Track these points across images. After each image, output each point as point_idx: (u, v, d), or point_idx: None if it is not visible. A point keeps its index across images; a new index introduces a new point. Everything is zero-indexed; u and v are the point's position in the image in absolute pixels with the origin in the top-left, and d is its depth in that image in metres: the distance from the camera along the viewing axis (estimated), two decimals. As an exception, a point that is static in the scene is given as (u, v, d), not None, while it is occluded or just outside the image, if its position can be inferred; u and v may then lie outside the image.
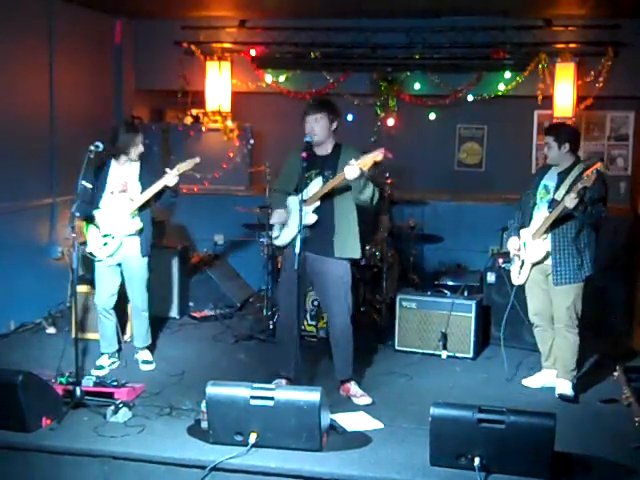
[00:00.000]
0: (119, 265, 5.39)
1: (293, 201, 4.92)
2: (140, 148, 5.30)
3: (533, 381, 5.29)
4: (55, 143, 6.91)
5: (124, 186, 5.30)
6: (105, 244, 5.27)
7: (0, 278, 6.20)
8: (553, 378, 5.14)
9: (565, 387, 4.98)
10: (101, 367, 5.35)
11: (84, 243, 5.39)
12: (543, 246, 4.98)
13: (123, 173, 5.33)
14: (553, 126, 5.32)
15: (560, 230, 4.91)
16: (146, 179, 5.29)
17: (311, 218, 4.77)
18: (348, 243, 4.86)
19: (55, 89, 6.93)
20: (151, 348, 5.74)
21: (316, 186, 4.81)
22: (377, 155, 4.58)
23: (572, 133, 5.08)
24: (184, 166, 5.24)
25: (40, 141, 6.78)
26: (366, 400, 4.85)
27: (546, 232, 4.94)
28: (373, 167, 4.64)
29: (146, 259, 5.40)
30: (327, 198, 4.78)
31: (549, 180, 5.05)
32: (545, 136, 5.07)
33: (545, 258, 5.00)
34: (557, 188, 4.93)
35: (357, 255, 4.91)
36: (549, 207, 4.93)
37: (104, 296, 5.41)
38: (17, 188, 6.47)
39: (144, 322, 5.56)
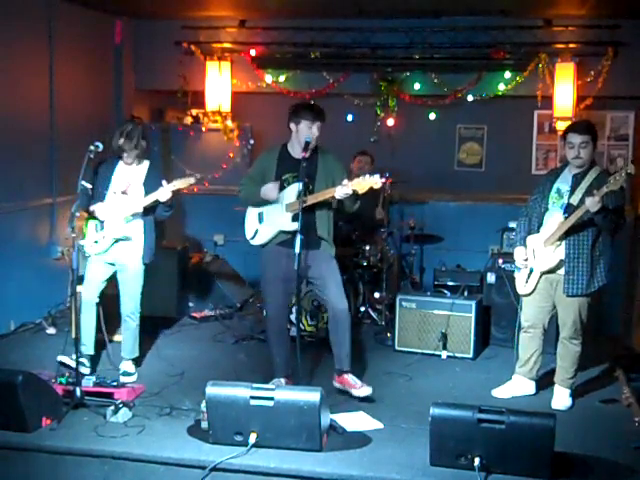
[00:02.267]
0: (112, 265, 5.24)
1: (266, 201, 4.95)
2: (129, 156, 5.15)
3: (502, 391, 5.08)
4: (55, 143, 6.90)
5: (126, 188, 5.18)
6: (96, 242, 5.16)
7: (0, 278, 6.20)
8: (523, 388, 5.04)
9: (562, 401, 4.86)
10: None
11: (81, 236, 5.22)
12: (556, 254, 4.75)
13: (129, 174, 5.22)
14: (586, 125, 4.84)
15: (576, 237, 4.68)
16: (150, 184, 5.17)
17: (291, 226, 4.79)
18: (329, 243, 4.96)
19: (55, 89, 6.92)
20: (140, 357, 5.58)
21: (293, 190, 4.82)
22: (375, 182, 4.59)
23: (596, 131, 4.81)
24: (180, 184, 5.07)
25: (40, 141, 6.78)
26: (366, 390, 4.78)
27: (560, 239, 4.72)
28: (369, 190, 4.66)
29: (143, 266, 5.25)
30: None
31: (562, 183, 4.80)
32: (576, 135, 4.70)
33: (557, 266, 4.77)
34: (572, 192, 4.71)
35: (333, 253, 4.99)
36: (564, 212, 4.69)
37: (90, 286, 5.22)
38: (17, 188, 6.47)
39: (132, 332, 5.33)
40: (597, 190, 4.48)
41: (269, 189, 4.88)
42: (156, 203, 5.12)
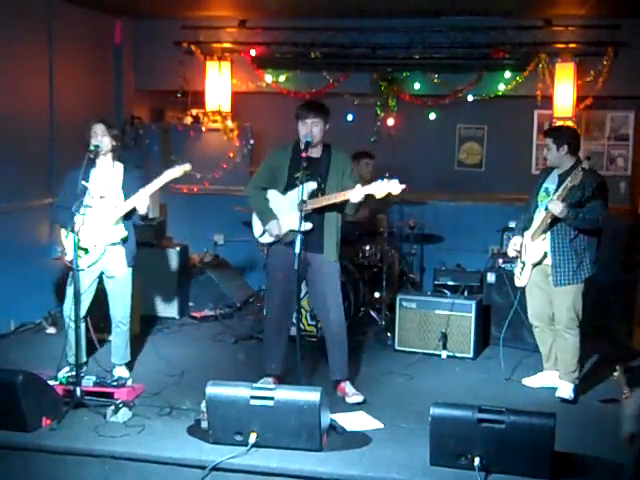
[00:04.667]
0: (100, 275, 5.09)
1: (275, 198, 4.94)
2: (98, 140, 4.91)
3: (533, 381, 5.30)
4: (55, 143, 6.90)
5: (105, 192, 4.99)
6: (87, 252, 4.94)
7: (0, 278, 6.20)
8: (553, 379, 5.14)
9: (565, 390, 4.97)
10: (55, 378, 4.79)
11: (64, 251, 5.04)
12: (541, 246, 4.98)
13: (105, 177, 5.04)
14: (553, 128, 5.34)
15: (558, 231, 4.91)
16: (128, 186, 5.02)
17: (306, 226, 4.74)
18: (335, 246, 4.90)
19: (55, 89, 6.92)
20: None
21: (308, 189, 4.79)
22: (395, 188, 4.53)
23: (571, 135, 5.06)
24: (163, 179, 4.92)
25: (40, 141, 6.78)
26: (357, 398, 4.85)
27: (544, 232, 4.94)
28: (387, 195, 4.62)
29: (131, 269, 5.13)
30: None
31: (550, 183, 5.04)
32: (544, 137, 5.08)
33: (544, 258, 5.00)
34: (556, 191, 4.91)
35: (336, 257, 4.92)
36: (546, 210, 4.92)
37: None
38: (17, 188, 6.47)
39: (123, 337, 5.20)
40: (559, 194, 4.77)
41: (273, 227, 4.88)
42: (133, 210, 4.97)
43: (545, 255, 4.98)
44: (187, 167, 5.03)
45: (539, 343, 5.28)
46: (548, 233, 4.94)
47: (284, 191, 4.91)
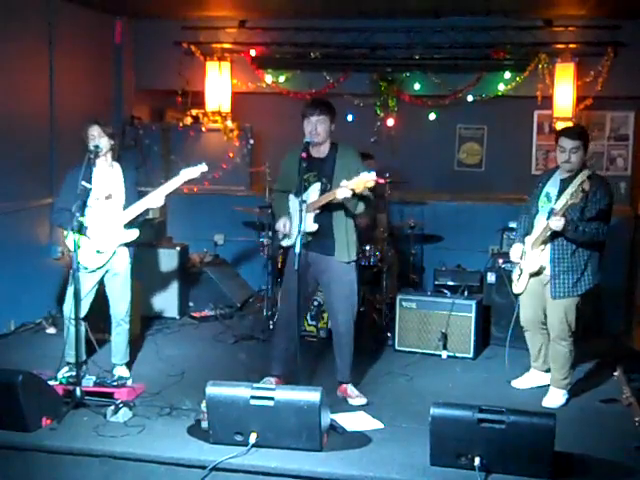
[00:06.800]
0: (103, 274, 5.10)
1: (294, 202, 4.93)
2: (96, 141, 4.91)
3: (522, 382, 5.24)
4: (55, 143, 6.91)
5: (110, 192, 5.00)
6: (98, 252, 4.97)
7: (0, 278, 6.20)
8: (541, 379, 5.12)
9: (555, 399, 4.91)
10: (55, 378, 4.81)
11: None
12: (540, 258, 4.85)
13: (107, 177, 5.05)
14: (579, 130, 4.91)
15: (559, 244, 4.77)
16: (128, 185, 5.06)
17: (312, 227, 4.75)
18: (347, 246, 4.88)
19: (55, 89, 6.93)
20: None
21: (315, 191, 4.80)
22: (368, 181, 4.51)
23: (588, 136, 4.87)
24: (189, 173, 4.95)
25: (40, 141, 6.78)
26: (361, 400, 4.85)
27: (544, 243, 4.82)
28: (364, 189, 4.59)
29: (130, 266, 5.15)
30: (326, 204, 4.78)
31: (552, 187, 4.87)
32: (568, 139, 4.73)
33: (540, 270, 4.88)
34: (558, 196, 4.77)
35: (354, 257, 4.93)
36: (548, 217, 4.77)
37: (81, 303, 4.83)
38: (17, 188, 6.47)
39: (124, 336, 5.21)
40: (559, 208, 4.62)
41: (279, 225, 4.92)
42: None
43: (541, 268, 4.87)
44: (204, 167, 5.05)
45: (529, 344, 5.23)
46: (548, 244, 4.82)
47: (296, 194, 4.89)
